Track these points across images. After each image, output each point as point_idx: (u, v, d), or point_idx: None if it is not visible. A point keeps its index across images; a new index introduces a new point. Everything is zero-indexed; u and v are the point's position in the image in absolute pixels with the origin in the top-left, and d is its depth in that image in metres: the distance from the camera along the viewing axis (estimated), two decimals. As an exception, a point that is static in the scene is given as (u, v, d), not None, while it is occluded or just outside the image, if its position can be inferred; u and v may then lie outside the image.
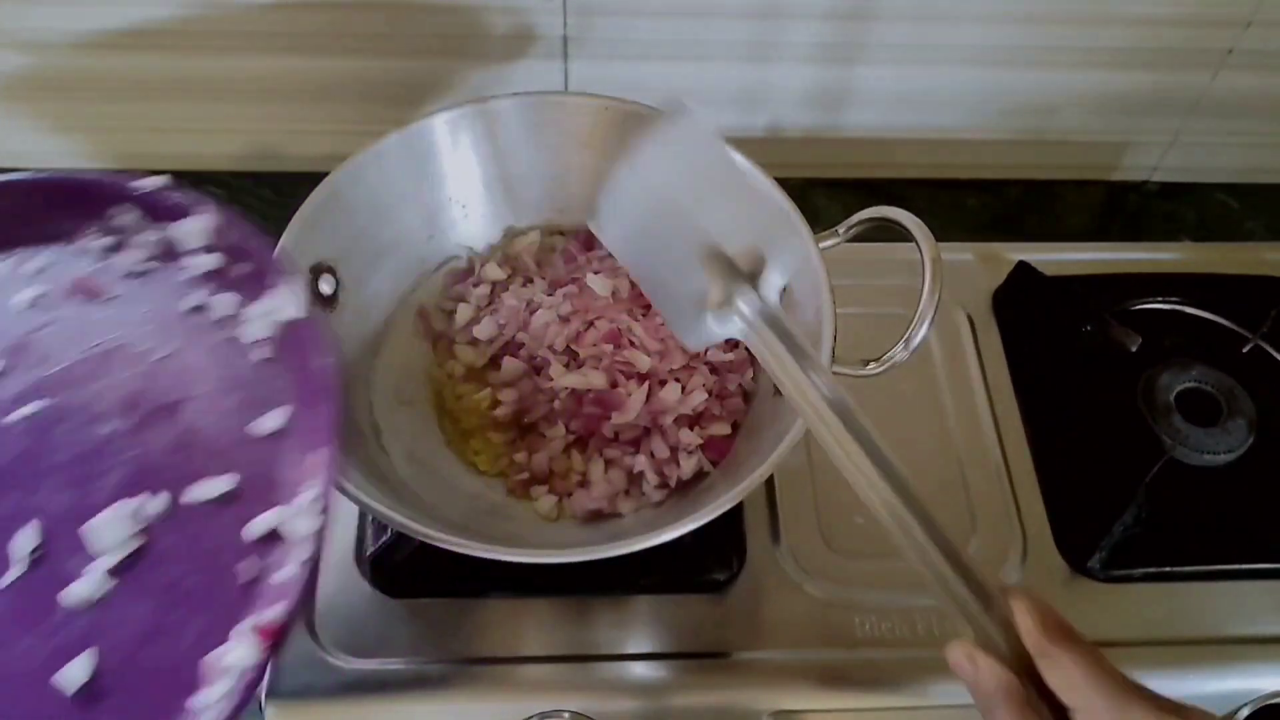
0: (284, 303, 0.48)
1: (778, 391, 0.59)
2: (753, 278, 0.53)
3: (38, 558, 0.44)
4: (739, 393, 0.62)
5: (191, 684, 0.41)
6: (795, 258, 0.55)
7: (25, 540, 0.44)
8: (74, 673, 0.41)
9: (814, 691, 0.59)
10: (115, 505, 0.45)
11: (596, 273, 0.65)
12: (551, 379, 0.61)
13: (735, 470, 0.56)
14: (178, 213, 0.50)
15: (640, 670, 0.59)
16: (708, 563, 0.62)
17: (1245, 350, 0.72)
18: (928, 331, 0.55)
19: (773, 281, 0.53)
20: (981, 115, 0.85)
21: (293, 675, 0.57)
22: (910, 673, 0.59)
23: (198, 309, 0.50)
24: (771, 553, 0.63)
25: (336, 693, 0.57)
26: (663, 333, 0.62)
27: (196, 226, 0.50)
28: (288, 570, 0.42)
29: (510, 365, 0.62)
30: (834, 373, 0.55)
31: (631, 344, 0.61)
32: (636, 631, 0.60)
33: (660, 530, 0.50)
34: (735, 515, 0.63)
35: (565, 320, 0.63)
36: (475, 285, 0.66)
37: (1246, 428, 0.67)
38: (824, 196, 0.86)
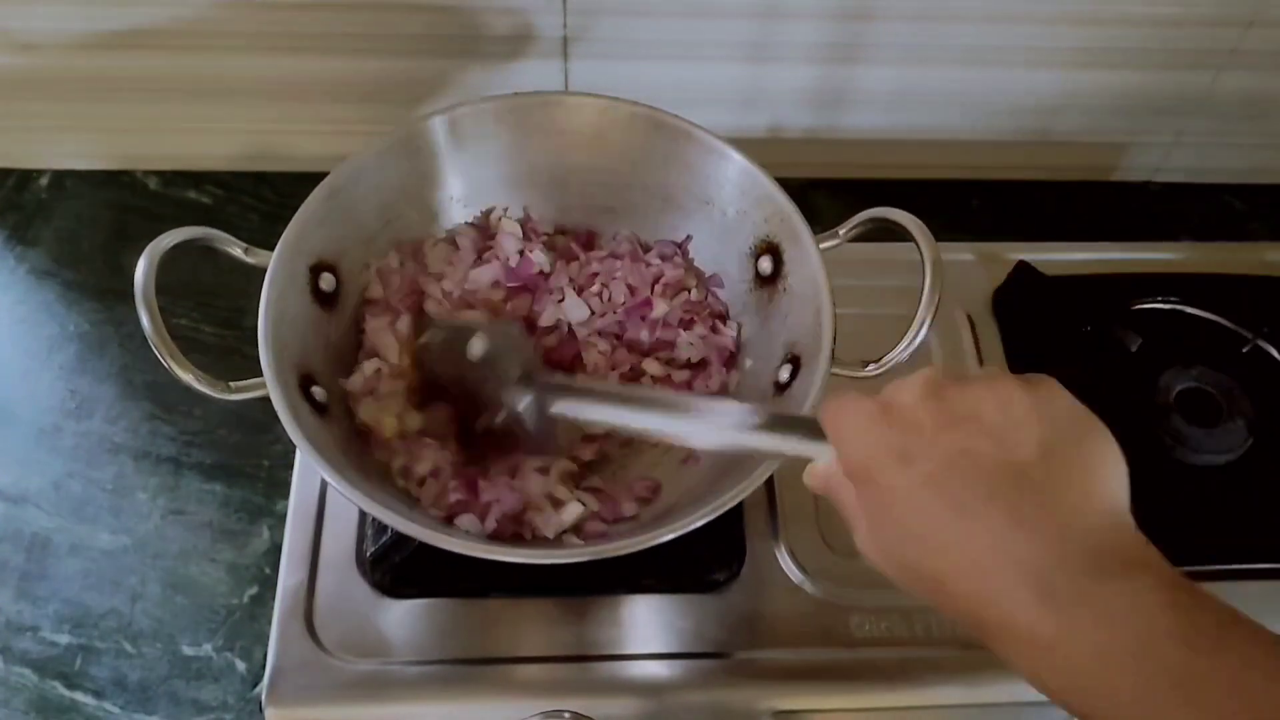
0: None
1: (778, 391, 0.59)
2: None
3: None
4: None
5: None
6: None
7: None
8: None
9: (814, 691, 0.59)
10: None
11: (594, 274, 0.65)
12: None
13: (735, 471, 0.56)
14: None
15: (640, 670, 0.59)
16: (708, 563, 0.62)
17: (1245, 350, 0.72)
18: (928, 332, 0.55)
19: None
20: (982, 115, 0.85)
21: (293, 675, 0.57)
22: (910, 672, 0.59)
23: None
24: (771, 553, 0.63)
25: (336, 693, 0.57)
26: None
27: None
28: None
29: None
30: (834, 374, 0.55)
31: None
32: (636, 631, 0.60)
33: (660, 530, 0.50)
34: (735, 515, 0.63)
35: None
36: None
37: (1246, 428, 0.67)
38: (824, 197, 0.86)
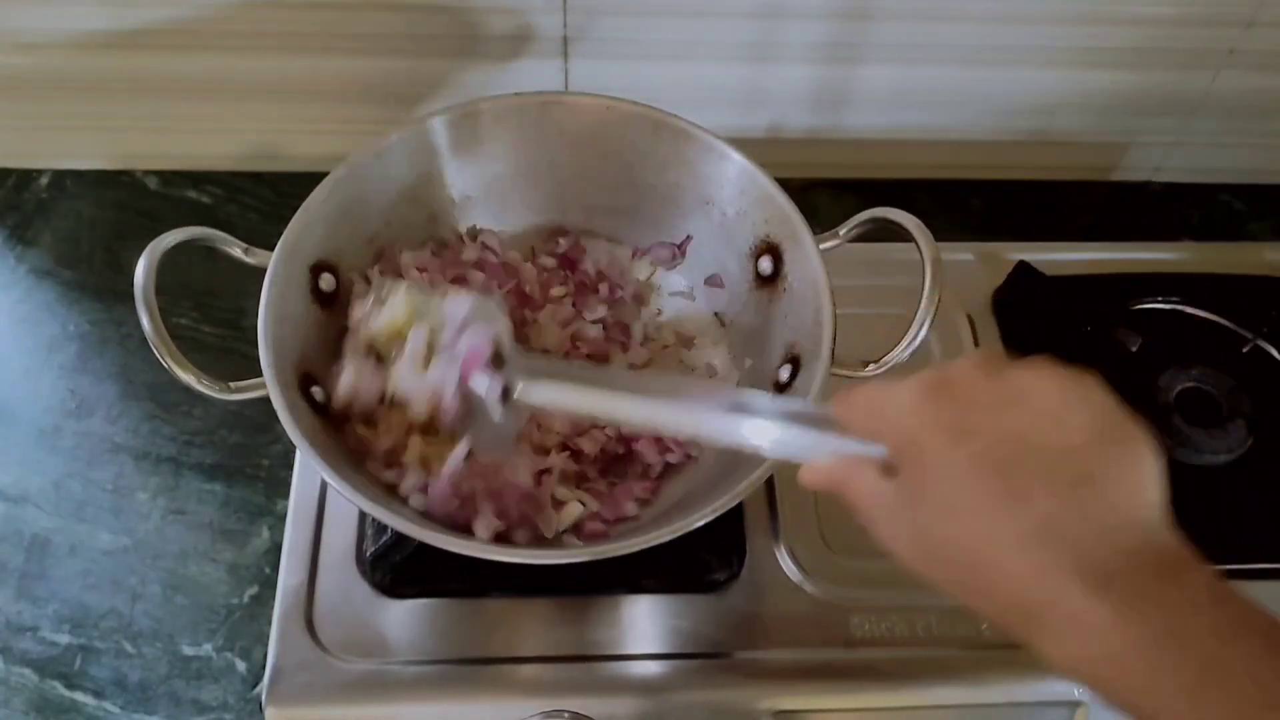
0: None
1: (778, 391, 0.59)
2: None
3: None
4: None
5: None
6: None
7: None
8: None
9: (814, 691, 0.59)
10: None
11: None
12: None
13: (735, 471, 0.56)
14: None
15: (640, 670, 0.59)
16: (708, 563, 0.62)
17: (1245, 350, 0.72)
18: (927, 332, 0.55)
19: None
20: (982, 115, 0.85)
21: (293, 675, 0.57)
22: (910, 672, 0.59)
23: None
24: (771, 553, 0.63)
25: (336, 693, 0.57)
26: None
27: None
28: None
29: None
30: (833, 374, 0.55)
31: None
32: (636, 631, 0.60)
33: (660, 530, 0.50)
34: (735, 515, 0.63)
35: None
36: None
37: (1246, 428, 0.67)
38: (825, 197, 0.86)
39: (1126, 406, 0.38)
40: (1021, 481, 0.35)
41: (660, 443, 0.61)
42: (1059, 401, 0.37)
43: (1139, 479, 0.36)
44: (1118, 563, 0.34)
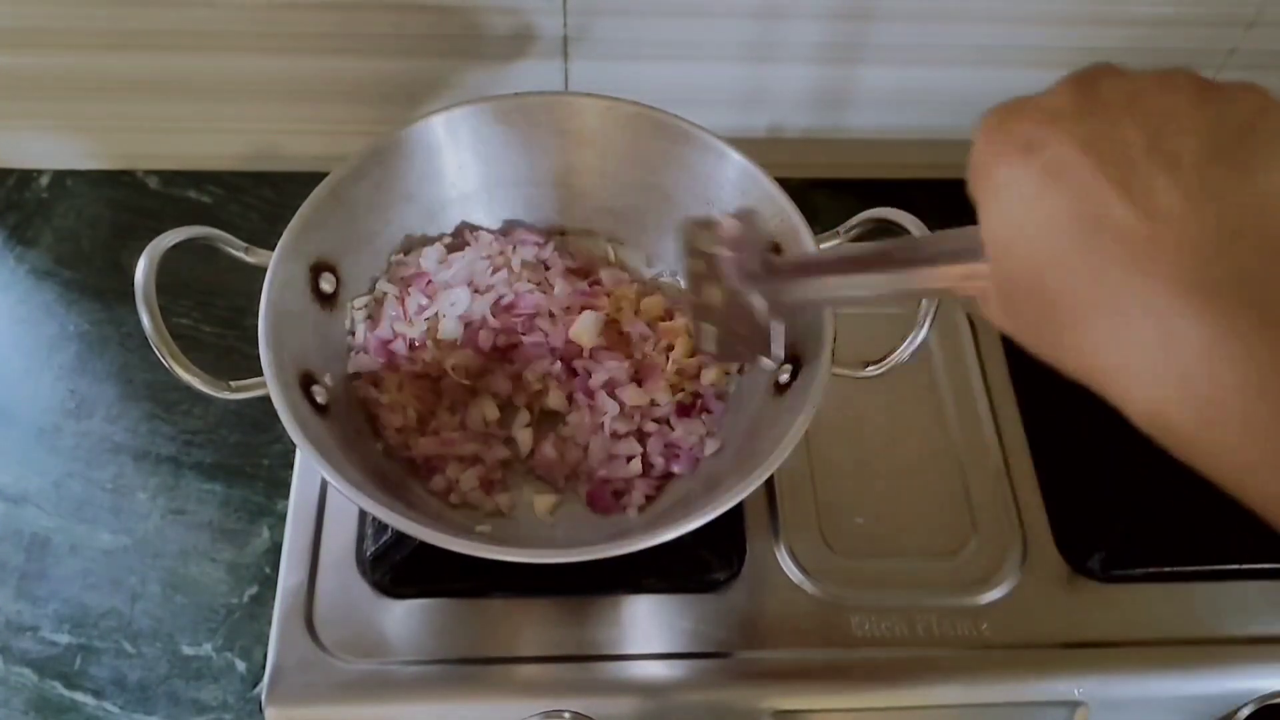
0: None
1: (778, 391, 0.59)
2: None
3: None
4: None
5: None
6: None
7: None
8: None
9: (814, 691, 0.59)
10: None
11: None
12: None
13: (735, 470, 0.56)
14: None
15: (640, 670, 0.59)
16: (708, 563, 0.62)
17: (1246, 350, 0.71)
18: (927, 333, 0.55)
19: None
20: (982, 115, 0.85)
21: (293, 675, 0.57)
22: (910, 672, 0.59)
23: None
24: (771, 553, 0.63)
25: (336, 693, 0.57)
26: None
27: None
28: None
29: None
30: (834, 374, 0.55)
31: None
32: (636, 631, 0.60)
33: (660, 530, 0.50)
34: (735, 515, 0.63)
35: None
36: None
37: (1247, 428, 0.67)
38: (824, 197, 0.86)
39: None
40: (1093, 187, 0.29)
41: (669, 448, 0.61)
42: (1167, 106, 0.29)
43: (1264, 186, 0.28)
44: (1225, 270, 0.27)
